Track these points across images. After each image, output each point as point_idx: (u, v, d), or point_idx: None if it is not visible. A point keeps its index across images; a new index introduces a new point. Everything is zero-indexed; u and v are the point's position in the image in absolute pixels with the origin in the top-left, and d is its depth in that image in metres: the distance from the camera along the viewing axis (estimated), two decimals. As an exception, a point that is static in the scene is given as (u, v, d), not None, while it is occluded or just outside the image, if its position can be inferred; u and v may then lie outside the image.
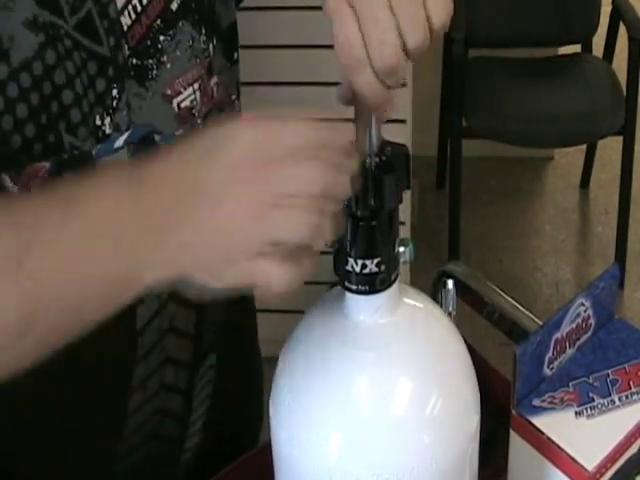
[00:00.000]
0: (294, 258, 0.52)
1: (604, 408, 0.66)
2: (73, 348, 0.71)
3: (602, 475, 0.64)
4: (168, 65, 0.74)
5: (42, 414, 0.77)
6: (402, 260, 0.58)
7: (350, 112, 0.57)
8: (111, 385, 0.79)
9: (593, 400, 0.67)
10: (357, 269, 0.56)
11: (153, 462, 0.86)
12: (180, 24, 0.75)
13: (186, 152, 0.55)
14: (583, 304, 0.69)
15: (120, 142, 0.71)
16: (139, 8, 0.71)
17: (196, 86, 0.77)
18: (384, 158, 0.55)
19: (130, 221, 0.54)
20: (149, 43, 0.72)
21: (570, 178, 2.97)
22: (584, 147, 2.85)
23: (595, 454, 0.64)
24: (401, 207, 0.57)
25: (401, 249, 0.57)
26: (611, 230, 2.60)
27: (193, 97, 0.76)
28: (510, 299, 0.93)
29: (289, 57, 2.01)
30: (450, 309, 0.90)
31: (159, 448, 0.86)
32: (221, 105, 0.82)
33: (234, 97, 0.86)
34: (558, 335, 0.67)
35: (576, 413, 0.66)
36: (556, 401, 0.67)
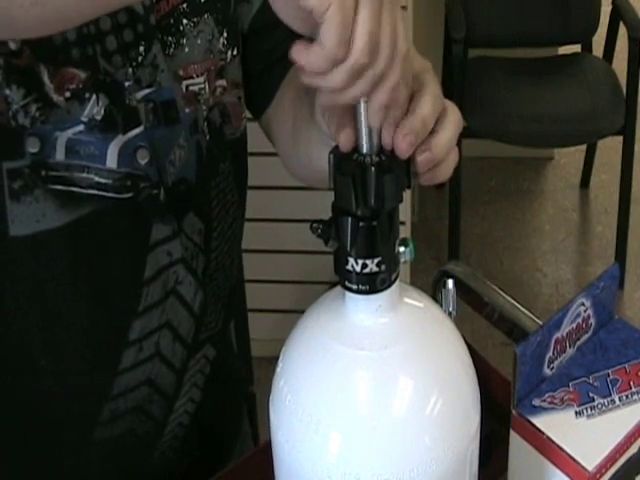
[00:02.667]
0: None
1: (604, 408, 0.66)
2: (80, 276, 0.72)
3: (602, 475, 0.64)
4: (186, 49, 0.77)
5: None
6: (402, 260, 0.58)
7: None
8: (108, 333, 0.79)
9: (593, 400, 0.67)
10: (357, 269, 0.56)
11: (132, 439, 0.85)
12: (206, 16, 0.78)
13: None
14: (583, 304, 0.69)
15: (139, 95, 0.74)
16: None
17: (205, 77, 0.79)
18: (384, 158, 0.55)
19: None
20: (172, 21, 0.75)
21: (570, 178, 2.97)
22: (584, 147, 2.85)
23: (595, 454, 0.64)
24: (401, 207, 0.57)
25: (401, 249, 0.57)
26: (611, 230, 2.60)
27: (202, 86, 0.79)
28: (510, 299, 0.93)
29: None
30: (450, 309, 0.90)
31: (141, 425, 0.85)
32: (225, 108, 0.83)
33: (243, 115, 0.87)
34: (558, 335, 0.67)
35: (576, 413, 0.66)
36: (556, 401, 0.67)
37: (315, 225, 0.56)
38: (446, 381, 0.58)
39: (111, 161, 0.73)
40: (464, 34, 2.46)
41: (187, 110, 0.78)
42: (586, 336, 0.71)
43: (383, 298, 0.57)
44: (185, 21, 0.76)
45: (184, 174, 0.79)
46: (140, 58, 0.73)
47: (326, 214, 0.56)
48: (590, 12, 2.59)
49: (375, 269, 0.56)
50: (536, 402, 0.67)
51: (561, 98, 2.51)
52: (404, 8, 2.00)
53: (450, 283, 0.90)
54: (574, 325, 0.69)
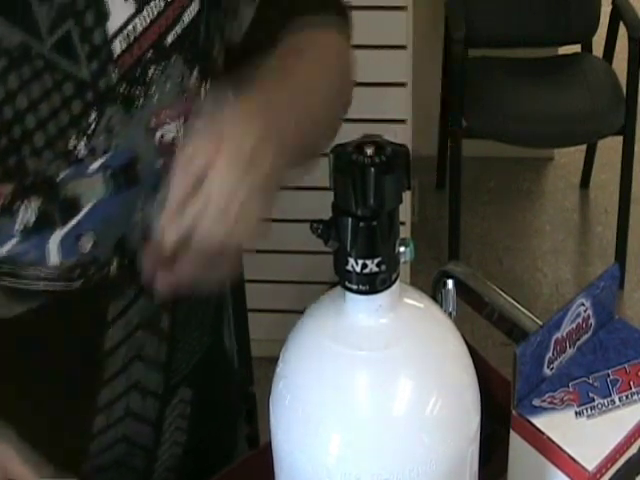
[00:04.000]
0: None
1: (604, 408, 0.66)
2: (39, 359, 0.72)
3: (602, 475, 0.64)
4: (155, 97, 0.73)
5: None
6: (402, 260, 0.58)
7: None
8: (75, 404, 0.79)
9: (593, 400, 0.67)
10: (357, 269, 0.56)
11: None
12: (173, 58, 0.74)
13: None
14: (583, 304, 0.69)
15: (95, 166, 0.71)
16: (132, 37, 0.70)
17: (181, 121, 0.76)
18: (384, 158, 0.55)
19: None
20: (138, 72, 0.72)
21: (570, 178, 2.97)
22: (584, 147, 2.85)
23: (595, 454, 0.64)
24: (401, 207, 0.57)
25: (401, 249, 0.57)
26: (611, 230, 2.60)
27: (176, 131, 0.76)
28: (510, 299, 0.93)
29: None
30: (450, 309, 0.90)
31: (125, 477, 0.84)
32: None
33: None
34: (558, 335, 0.67)
35: (576, 413, 0.66)
36: (556, 401, 0.67)
37: (315, 225, 0.56)
38: (446, 381, 0.58)
39: (53, 258, 0.71)
40: (464, 34, 2.46)
41: (159, 164, 0.75)
42: (586, 336, 0.71)
43: (383, 298, 0.57)
44: (152, 68, 0.72)
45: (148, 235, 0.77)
46: (93, 126, 0.70)
47: (326, 214, 0.56)
48: (590, 12, 2.59)
49: (375, 269, 0.56)
50: (536, 402, 0.67)
51: (561, 98, 2.51)
52: (404, 8, 2.00)
53: (450, 283, 0.90)
54: (574, 325, 0.69)
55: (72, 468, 0.79)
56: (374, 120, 2.03)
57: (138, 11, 0.70)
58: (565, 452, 0.64)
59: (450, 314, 0.89)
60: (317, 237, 0.56)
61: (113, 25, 0.68)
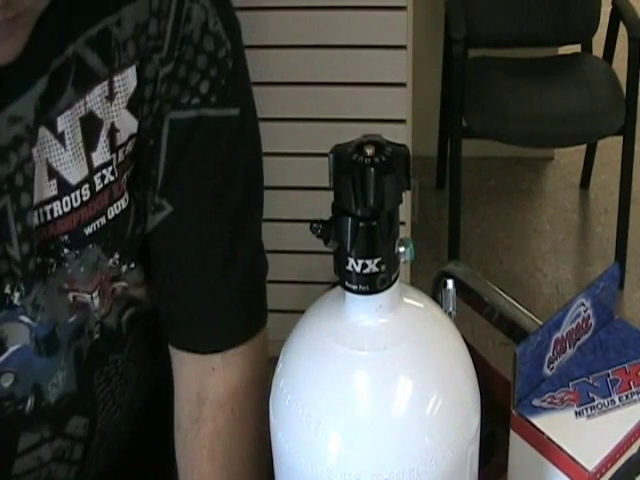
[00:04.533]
0: None
1: (604, 408, 0.66)
2: None
3: (602, 475, 0.64)
4: (69, 270, 0.73)
5: None
6: (402, 260, 0.58)
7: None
8: None
9: (593, 400, 0.67)
10: (357, 269, 0.56)
11: None
12: (90, 246, 0.73)
13: None
14: (583, 304, 0.69)
15: (25, 320, 0.71)
16: (49, 216, 0.69)
17: (95, 294, 0.76)
18: (384, 158, 0.55)
19: None
20: (52, 247, 0.71)
21: (570, 178, 2.97)
22: (584, 147, 2.85)
23: (595, 454, 0.64)
24: (401, 207, 0.56)
25: (401, 249, 0.57)
26: (611, 230, 2.60)
27: (90, 299, 0.76)
28: (510, 299, 0.93)
29: (289, 57, 2.01)
30: (450, 309, 0.90)
31: None
32: (125, 295, 0.80)
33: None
34: (558, 335, 0.67)
35: (576, 413, 0.66)
36: (556, 401, 0.67)
37: (315, 225, 0.56)
38: (446, 381, 0.58)
39: None
40: (464, 34, 2.46)
41: (71, 319, 0.75)
42: (586, 336, 0.71)
43: (383, 298, 0.57)
44: (66, 250, 0.72)
45: (66, 390, 0.77)
46: (23, 288, 0.70)
47: (326, 214, 0.56)
48: (590, 12, 2.59)
49: (375, 269, 0.55)
50: (536, 402, 0.67)
51: (561, 98, 2.51)
52: (404, 8, 2.00)
53: (450, 283, 0.90)
54: (574, 325, 0.69)
55: None
56: (374, 120, 2.03)
57: (59, 198, 0.69)
58: (565, 452, 0.64)
59: (450, 314, 0.89)
60: (317, 237, 0.56)
61: (36, 197, 0.68)
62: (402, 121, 2.06)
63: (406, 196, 2.23)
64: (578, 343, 0.71)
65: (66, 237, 0.71)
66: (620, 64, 2.57)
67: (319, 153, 2.07)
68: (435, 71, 2.74)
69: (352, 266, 0.56)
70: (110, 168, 0.71)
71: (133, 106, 0.70)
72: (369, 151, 0.55)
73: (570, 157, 3.00)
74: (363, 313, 0.58)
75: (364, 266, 0.55)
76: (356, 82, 2.03)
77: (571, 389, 0.68)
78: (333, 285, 0.59)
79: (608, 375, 0.69)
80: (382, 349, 0.56)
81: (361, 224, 0.55)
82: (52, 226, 0.70)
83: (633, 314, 2.47)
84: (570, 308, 0.67)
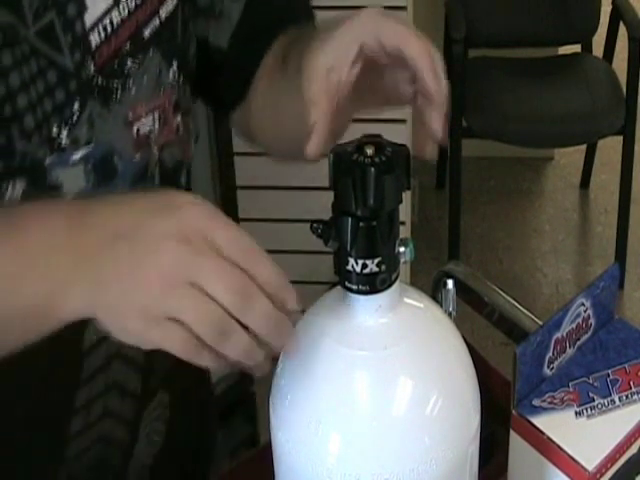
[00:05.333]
0: (199, 344, 0.53)
1: (604, 408, 0.66)
2: (13, 363, 0.71)
3: (602, 475, 0.64)
4: (133, 90, 0.73)
5: None
6: (402, 260, 0.58)
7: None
8: (52, 405, 0.78)
9: (593, 400, 0.67)
10: (357, 269, 0.56)
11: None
12: (150, 52, 0.74)
13: (137, 203, 0.57)
14: (583, 304, 0.69)
15: (77, 156, 0.71)
16: (109, 28, 0.70)
17: (157, 115, 0.76)
18: (384, 158, 0.55)
19: (61, 252, 0.56)
20: (116, 65, 0.72)
21: (570, 178, 2.97)
22: (584, 147, 2.85)
23: (595, 454, 0.64)
24: (401, 207, 0.57)
25: (401, 249, 0.57)
26: (611, 230, 2.60)
27: (152, 124, 0.76)
28: (510, 299, 0.93)
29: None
30: (450, 309, 0.90)
31: (102, 477, 0.83)
32: (182, 144, 0.81)
33: (193, 139, 0.85)
34: (558, 335, 0.67)
35: (576, 413, 0.66)
36: (556, 401, 0.67)
37: (315, 225, 0.56)
38: (446, 381, 0.58)
39: None
40: (464, 34, 2.46)
41: (136, 157, 0.75)
42: (586, 336, 0.71)
43: (383, 298, 0.57)
44: (129, 62, 0.72)
45: None
46: (76, 116, 0.70)
47: (326, 214, 0.56)
48: (590, 12, 2.59)
49: (375, 269, 0.56)
50: (536, 402, 0.67)
51: (561, 98, 2.51)
52: (404, 8, 2.00)
53: (450, 283, 0.90)
54: (574, 325, 0.69)
55: (49, 470, 0.79)
56: (374, 120, 2.03)
57: (116, 3, 0.70)
58: (565, 452, 0.64)
59: (450, 314, 0.89)
60: (317, 237, 0.56)
61: (91, 17, 0.69)
62: (402, 121, 2.06)
63: (406, 196, 2.22)
64: (578, 343, 0.71)
65: (128, 45, 0.72)
66: (620, 64, 2.57)
67: (319, 153, 2.07)
68: (435, 71, 2.73)
69: (352, 266, 0.56)
70: None
71: None
72: (369, 151, 0.55)
73: (570, 157, 3.00)
74: (363, 313, 0.58)
75: (364, 266, 0.55)
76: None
77: (571, 389, 0.68)
78: (333, 285, 0.59)
79: (608, 375, 0.69)
80: (382, 349, 0.56)
81: (361, 224, 0.55)
82: (114, 38, 0.70)
83: (633, 314, 2.47)
84: (570, 308, 0.67)
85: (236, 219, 2.08)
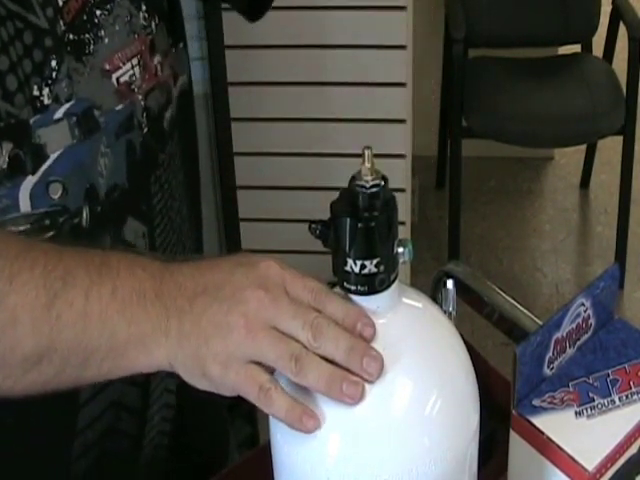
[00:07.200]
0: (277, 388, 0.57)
1: (604, 408, 0.66)
2: None
3: (602, 475, 0.64)
4: (106, 40, 0.74)
5: None
6: (401, 260, 0.57)
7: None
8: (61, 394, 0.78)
9: (593, 400, 0.67)
10: (356, 270, 0.56)
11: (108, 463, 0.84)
12: None
13: (218, 264, 0.61)
14: (583, 304, 0.69)
15: (60, 114, 0.72)
16: None
17: (135, 61, 0.77)
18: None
19: (148, 302, 0.60)
20: (85, 18, 0.73)
21: (570, 178, 2.97)
22: (584, 147, 2.85)
23: (595, 454, 0.64)
24: (401, 207, 0.57)
25: (400, 249, 0.57)
26: (611, 230, 2.60)
27: (132, 72, 0.77)
28: (510, 299, 0.93)
29: (289, 57, 2.01)
30: (450, 309, 0.90)
31: (116, 443, 0.84)
32: (166, 85, 0.82)
33: (184, 77, 0.86)
34: (558, 335, 0.67)
35: (576, 413, 0.66)
36: (556, 401, 0.67)
37: (314, 226, 0.56)
38: (446, 381, 0.58)
39: (24, 205, 0.71)
40: (464, 34, 2.46)
41: (120, 106, 0.76)
42: (586, 336, 0.71)
43: (382, 299, 0.57)
44: (98, 12, 0.73)
45: (114, 181, 0.77)
46: (54, 74, 0.71)
47: (326, 214, 0.56)
48: (590, 12, 2.59)
49: (374, 270, 0.55)
50: (536, 402, 0.67)
51: (561, 98, 2.51)
52: (404, 8, 2.00)
53: (450, 283, 0.90)
54: (574, 325, 0.69)
55: (62, 442, 0.80)
56: (374, 120, 2.03)
57: None
58: (565, 452, 0.64)
59: (450, 314, 0.89)
60: (316, 238, 0.56)
61: None
62: (402, 121, 2.06)
63: (406, 196, 2.23)
64: (578, 343, 0.71)
65: None
66: (620, 64, 2.57)
67: (319, 153, 2.07)
68: (435, 71, 2.74)
69: (351, 267, 0.56)
70: None
71: None
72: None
73: (570, 157, 3.00)
74: (362, 313, 0.58)
75: (363, 267, 0.55)
76: (356, 82, 2.03)
77: (571, 389, 0.68)
78: (332, 285, 0.59)
79: (608, 375, 0.69)
80: (381, 349, 0.56)
81: (360, 225, 0.55)
82: None
83: (633, 314, 2.47)
84: (570, 308, 0.67)
85: (236, 219, 2.08)
